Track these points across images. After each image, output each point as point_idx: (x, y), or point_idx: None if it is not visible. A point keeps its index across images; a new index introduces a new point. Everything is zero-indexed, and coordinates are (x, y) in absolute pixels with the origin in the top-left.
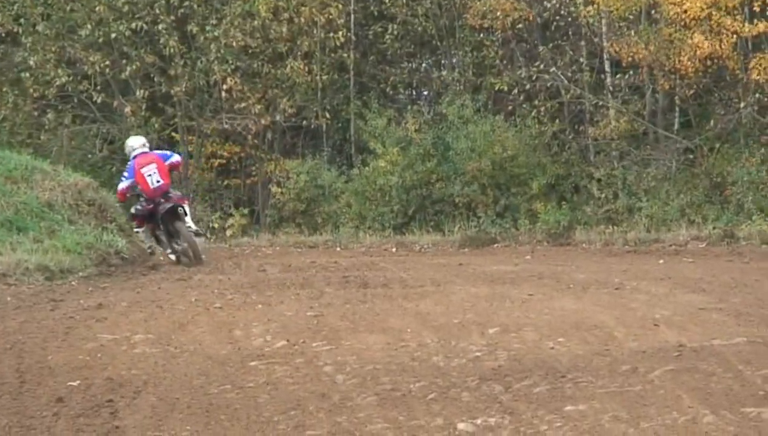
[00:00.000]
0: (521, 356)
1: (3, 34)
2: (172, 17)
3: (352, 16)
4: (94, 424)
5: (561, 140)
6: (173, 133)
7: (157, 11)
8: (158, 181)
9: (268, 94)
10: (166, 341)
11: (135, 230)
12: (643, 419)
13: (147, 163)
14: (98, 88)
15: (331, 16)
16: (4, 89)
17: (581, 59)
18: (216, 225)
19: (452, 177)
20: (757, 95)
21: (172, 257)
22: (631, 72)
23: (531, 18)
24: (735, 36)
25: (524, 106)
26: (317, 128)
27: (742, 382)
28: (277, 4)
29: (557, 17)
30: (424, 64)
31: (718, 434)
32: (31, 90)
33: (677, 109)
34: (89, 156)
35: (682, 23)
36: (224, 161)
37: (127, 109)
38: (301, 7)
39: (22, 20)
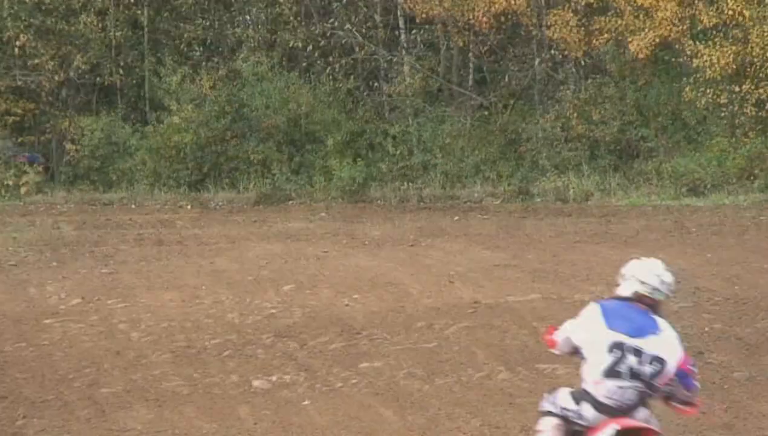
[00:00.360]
0: (316, 312)
1: None
2: None
3: None
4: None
5: (356, 97)
6: None
7: None
8: None
9: (62, 51)
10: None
11: None
12: (438, 376)
13: None
14: None
15: None
16: None
17: (375, 16)
18: (10, 182)
19: (247, 134)
20: (552, 51)
21: None
22: (426, 27)
23: None
24: None
25: (319, 62)
26: (112, 85)
27: (536, 338)
28: None
29: None
30: (218, 21)
31: (513, 390)
32: None
33: (472, 65)
34: None
35: None
36: (18, 118)
37: None
38: None
39: None
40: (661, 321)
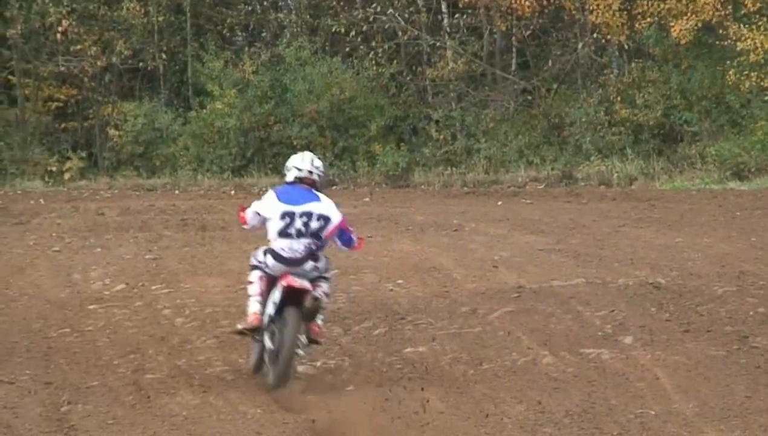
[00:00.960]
0: (360, 298)
1: None
2: None
3: None
4: None
5: (399, 82)
6: (9, 77)
7: None
8: None
9: (105, 36)
10: (5, 285)
11: None
12: (484, 361)
13: None
14: None
15: None
16: None
17: (418, 0)
18: (53, 169)
19: (290, 119)
20: (594, 35)
21: None
22: (469, 12)
23: None
24: None
25: (362, 47)
26: (154, 71)
27: (581, 323)
28: None
29: None
30: (260, 6)
31: (557, 375)
32: None
33: (515, 50)
34: None
35: None
36: (61, 104)
37: None
38: None
39: None
40: (320, 195)
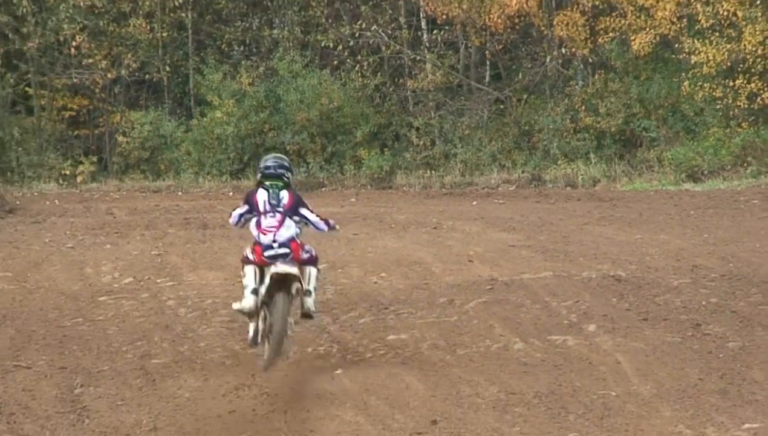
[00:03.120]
0: (347, 290)
1: None
2: None
3: None
4: None
5: (382, 92)
6: (27, 88)
7: None
8: None
9: (114, 51)
10: (23, 278)
11: None
12: (459, 347)
13: None
14: None
15: None
16: None
17: (400, 18)
18: (67, 172)
19: (283, 127)
20: (562, 50)
21: None
22: (446, 28)
23: None
24: None
25: (348, 61)
26: (159, 82)
27: (548, 312)
28: None
29: None
30: (256, 23)
31: (527, 359)
32: None
33: (488, 63)
34: None
35: None
36: (74, 113)
37: None
38: None
39: None
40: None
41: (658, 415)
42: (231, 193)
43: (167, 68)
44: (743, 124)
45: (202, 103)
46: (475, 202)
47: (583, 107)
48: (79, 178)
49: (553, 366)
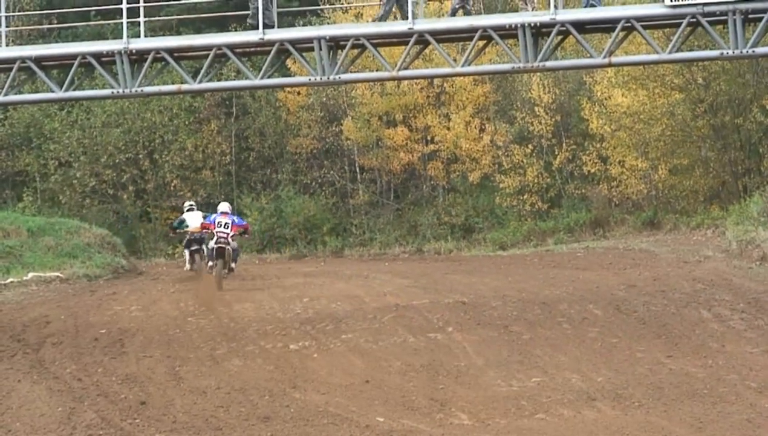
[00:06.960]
0: (320, 311)
1: None
2: None
3: None
4: (113, 350)
5: (337, 206)
6: (147, 208)
7: None
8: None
9: (192, 188)
10: (146, 309)
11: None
12: (380, 341)
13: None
14: None
15: None
16: None
17: (345, 167)
18: (170, 252)
19: (284, 225)
20: (432, 182)
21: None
22: (370, 170)
23: None
24: None
25: (319, 189)
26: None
27: (427, 321)
28: None
29: None
30: (269, 170)
31: (416, 347)
32: None
33: (392, 189)
34: None
35: None
36: (172, 220)
37: None
38: None
39: None
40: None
41: (486, 375)
42: (257, 261)
43: (222, 197)
44: (528, 219)
45: (240, 214)
46: (387, 264)
47: (443, 211)
48: (176, 255)
49: (430, 350)
